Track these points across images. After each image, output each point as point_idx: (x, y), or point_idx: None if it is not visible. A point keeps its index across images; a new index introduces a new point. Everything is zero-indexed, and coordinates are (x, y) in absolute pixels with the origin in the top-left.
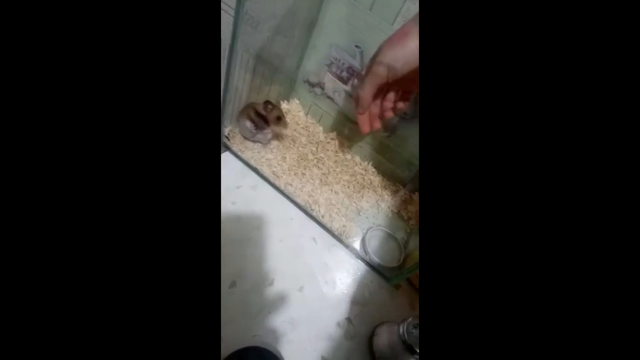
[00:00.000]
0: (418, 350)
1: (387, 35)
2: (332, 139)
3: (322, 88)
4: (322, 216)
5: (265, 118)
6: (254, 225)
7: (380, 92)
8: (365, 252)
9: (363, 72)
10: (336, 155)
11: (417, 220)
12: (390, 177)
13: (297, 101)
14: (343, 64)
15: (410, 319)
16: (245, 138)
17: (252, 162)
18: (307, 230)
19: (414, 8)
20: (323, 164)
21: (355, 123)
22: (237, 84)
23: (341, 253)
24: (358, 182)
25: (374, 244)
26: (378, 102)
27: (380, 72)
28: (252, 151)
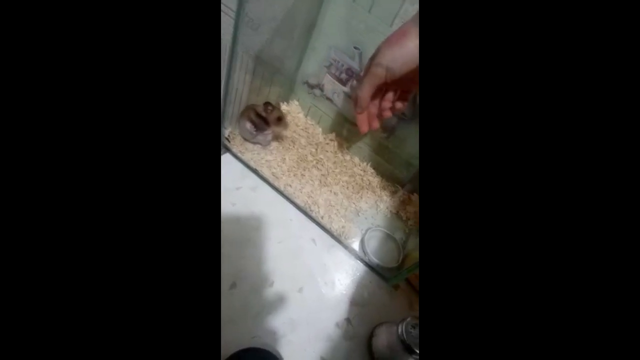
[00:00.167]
0: (417, 351)
1: (385, 37)
2: (331, 140)
3: (322, 89)
4: (322, 217)
5: (265, 119)
6: (253, 226)
7: (379, 92)
8: (364, 252)
9: (362, 74)
10: (335, 157)
11: (416, 220)
12: (389, 177)
13: (297, 102)
14: (342, 65)
15: (409, 319)
16: (245, 139)
17: (252, 164)
18: (306, 231)
19: (412, 9)
20: (322, 165)
21: (354, 124)
22: (237, 86)
23: (340, 254)
24: (357, 183)
25: (372, 244)
26: (376, 102)
27: (379, 73)
28: (252, 153)
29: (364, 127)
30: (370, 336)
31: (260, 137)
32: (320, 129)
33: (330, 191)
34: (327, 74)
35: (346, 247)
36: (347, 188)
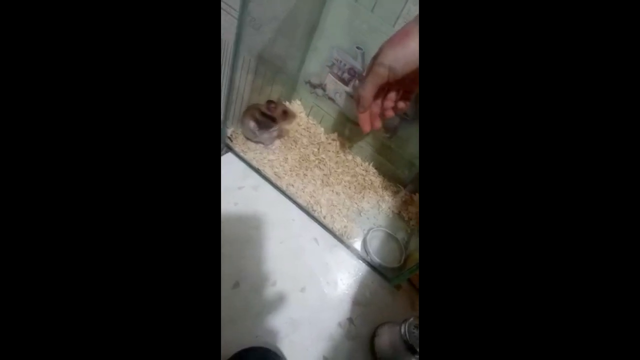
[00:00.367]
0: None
1: (388, 37)
2: (333, 140)
3: (324, 89)
4: (324, 217)
5: (271, 116)
6: (255, 226)
7: (381, 91)
8: (367, 252)
9: (364, 74)
10: (337, 156)
11: (418, 220)
12: (391, 177)
13: (299, 102)
14: (344, 65)
15: (411, 319)
16: (248, 139)
17: (254, 163)
18: (308, 231)
19: (414, 9)
20: (324, 164)
21: (356, 124)
22: (240, 85)
23: (342, 254)
24: (359, 183)
25: (375, 244)
26: (379, 101)
27: (381, 72)
28: (255, 152)
29: (366, 127)
30: (373, 336)
31: (264, 136)
32: (322, 129)
33: (333, 191)
34: (329, 74)
35: (348, 247)
36: (349, 188)
